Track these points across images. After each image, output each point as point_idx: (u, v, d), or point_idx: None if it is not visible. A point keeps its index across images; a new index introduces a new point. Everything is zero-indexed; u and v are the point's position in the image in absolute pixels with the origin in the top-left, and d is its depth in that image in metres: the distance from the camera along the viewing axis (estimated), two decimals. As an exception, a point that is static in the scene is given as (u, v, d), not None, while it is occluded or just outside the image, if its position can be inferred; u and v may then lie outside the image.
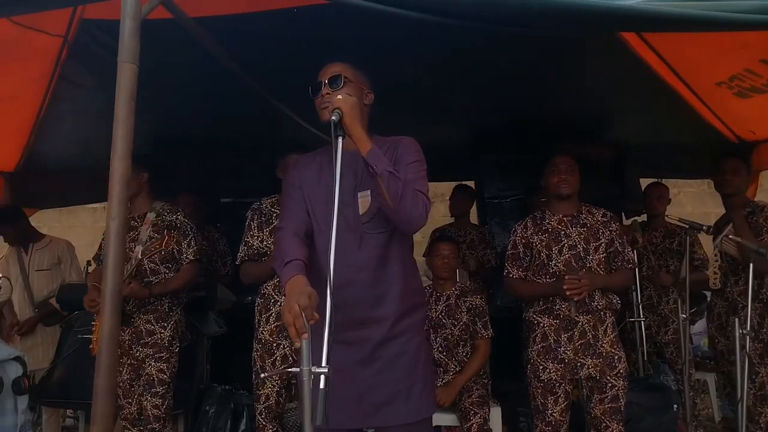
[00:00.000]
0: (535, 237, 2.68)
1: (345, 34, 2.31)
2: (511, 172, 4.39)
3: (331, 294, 1.43)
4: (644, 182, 4.37)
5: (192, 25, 2.36)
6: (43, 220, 6.63)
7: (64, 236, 4.26)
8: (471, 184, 4.71)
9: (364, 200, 1.73)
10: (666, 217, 3.95)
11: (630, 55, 2.71)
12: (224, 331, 3.51)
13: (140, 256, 2.60)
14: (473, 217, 4.64)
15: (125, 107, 1.49)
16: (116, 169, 1.46)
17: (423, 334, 1.89)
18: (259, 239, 2.70)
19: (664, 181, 4.26)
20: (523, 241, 2.72)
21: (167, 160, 3.88)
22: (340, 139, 1.54)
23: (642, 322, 3.82)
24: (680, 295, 3.85)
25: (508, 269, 2.75)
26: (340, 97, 1.60)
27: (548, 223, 2.70)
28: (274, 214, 2.71)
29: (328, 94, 1.71)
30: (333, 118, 1.53)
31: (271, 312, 2.70)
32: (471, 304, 3.07)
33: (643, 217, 4.16)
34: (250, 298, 3.19)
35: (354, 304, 1.71)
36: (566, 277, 2.50)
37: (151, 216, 2.76)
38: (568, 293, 2.47)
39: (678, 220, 3.19)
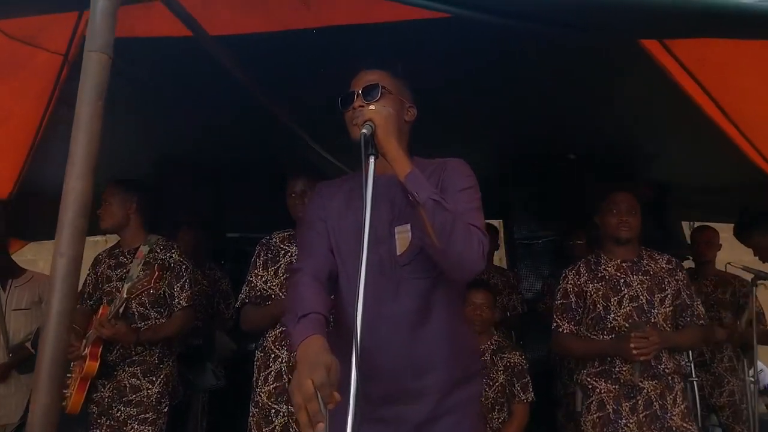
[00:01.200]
0: (590, 285, 2.32)
1: (364, 58, 2.09)
2: (543, 210, 4.04)
3: (357, 360, 1.08)
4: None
5: (211, 43, 2.13)
6: (39, 252, 6.33)
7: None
8: (497, 223, 4.39)
9: (403, 237, 1.40)
10: (729, 265, 3.56)
11: (669, 83, 2.44)
12: (223, 384, 3.11)
13: (126, 296, 2.23)
14: (498, 259, 4.29)
15: (90, 107, 1.20)
16: (71, 189, 1.17)
17: (477, 412, 1.53)
18: (264, 279, 2.33)
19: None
20: (576, 289, 2.35)
21: (169, 186, 3.57)
22: (372, 159, 1.25)
23: (695, 382, 3.39)
24: (735, 351, 3.47)
25: (557, 322, 2.37)
26: (372, 107, 1.35)
27: (605, 270, 2.34)
28: (283, 252, 2.36)
29: (361, 106, 1.43)
30: (363, 131, 1.25)
31: (270, 369, 2.29)
32: (509, 362, 2.68)
33: (688, 263, 3.79)
34: (253, 345, 2.81)
35: (389, 372, 1.36)
36: (633, 335, 2.12)
37: (144, 249, 2.40)
38: (635, 352, 2.09)
39: (742, 268, 2.82)
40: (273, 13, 2.47)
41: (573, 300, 2.34)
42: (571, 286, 2.35)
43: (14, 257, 3.85)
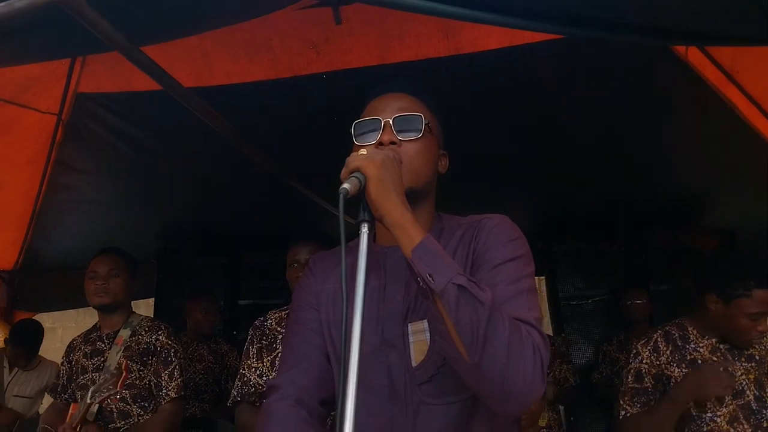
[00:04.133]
0: (674, 369, 1.81)
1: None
2: (592, 266, 3.57)
3: None
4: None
5: (201, 107, 1.87)
6: (59, 320, 6.14)
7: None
8: (537, 281, 3.94)
9: (420, 341, 0.95)
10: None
11: (732, 117, 2.12)
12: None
13: (89, 401, 1.82)
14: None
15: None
16: None
17: None
18: (258, 372, 1.87)
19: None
20: (654, 371, 1.84)
21: (176, 256, 3.30)
22: (365, 228, 0.86)
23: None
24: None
25: (625, 408, 1.84)
26: (364, 151, 0.90)
27: (695, 351, 1.82)
28: (281, 337, 1.88)
29: (393, 143, 0.99)
30: (345, 186, 0.84)
31: None
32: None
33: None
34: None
35: None
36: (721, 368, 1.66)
37: (124, 334, 2.03)
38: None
39: None
40: (280, 58, 2.26)
41: (650, 385, 1.82)
42: (647, 366, 1.83)
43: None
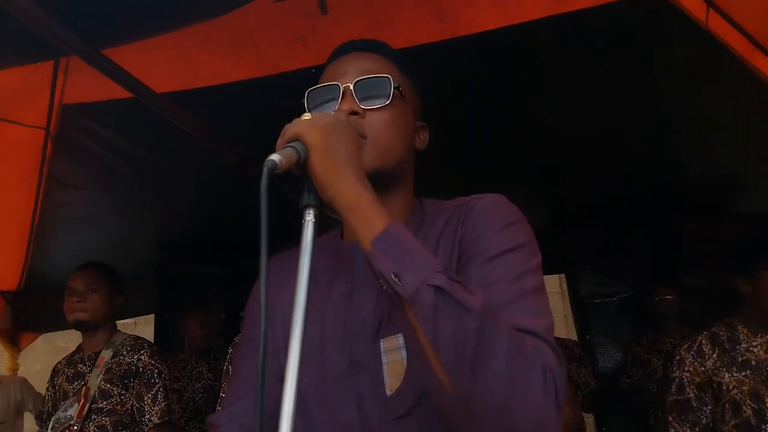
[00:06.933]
0: (724, 374, 1.61)
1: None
2: (616, 259, 3.31)
3: None
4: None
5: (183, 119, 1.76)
6: (72, 338, 6.14)
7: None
8: (556, 279, 3.72)
9: (395, 361, 0.73)
10: None
11: (761, 88, 1.89)
12: None
13: None
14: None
15: None
16: None
17: None
18: None
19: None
20: (698, 379, 1.64)
21: (177, 269, 3.19)
22: (310, 215, 0.66)
23: None
24: None
25: (675, 428, 1.65)
26: (308, 116, 0.70)
27: (747, 351, 1.62)
28: None
29: (354, 113, 0.78)
30: (273, 158, 0.62)
31: None
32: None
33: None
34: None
35: None
36: None
37: (106, 355, 1.90)
38: None
39: None
40: (265, 54, 2.13)
41: (693, 396, 1.62)
42: (689, 375, 1.63)
43: (45, 344, 3.47)
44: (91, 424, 1.78)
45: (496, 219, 0.76)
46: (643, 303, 3.07)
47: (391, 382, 0.72)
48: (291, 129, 0.67)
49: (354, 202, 0.66)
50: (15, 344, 3.62)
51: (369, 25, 2.00)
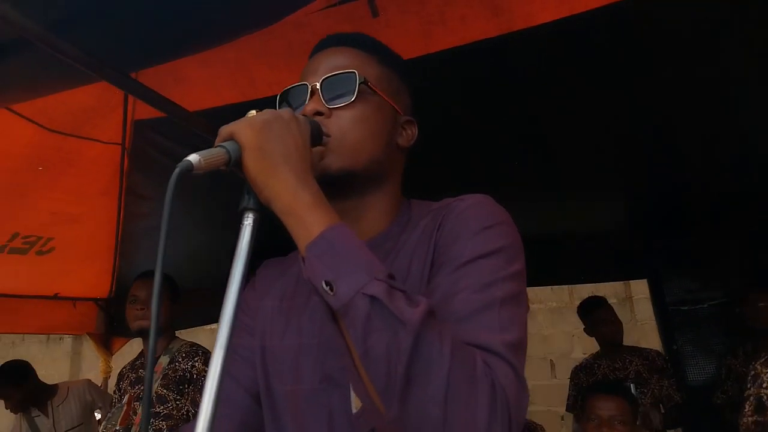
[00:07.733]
0: None
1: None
2: (706, 264, 3.01)
3: None
4: None
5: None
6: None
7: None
8: (642, 284, 3.45)
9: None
10: None
11: None
12: None
13: None
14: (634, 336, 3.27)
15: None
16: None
17: None
18: None
19: None
20: None
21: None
22: (249, 218, 0.63)
23: None
24: None
25: None
26: (252, 113, 0.66)
27: None
28: None
29: (319, 114, 0.75)
30: (188, 158, 0.61)
31: None
32: None
33: None
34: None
35: None
36: None
37: (163, 361, 1.97)
38: None
39: None
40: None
41: None
42: None
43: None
44: (151, 427, 1.84)
45: (473, 222, 0.69)
46: (738, 311, 2.77)
47: (356, 399, 0.67)
48: (226, 128, 0.64)
49: (290, 204, 0.61)
50: (108, 348, 3.89)
51: (421, 25, 1.95)
